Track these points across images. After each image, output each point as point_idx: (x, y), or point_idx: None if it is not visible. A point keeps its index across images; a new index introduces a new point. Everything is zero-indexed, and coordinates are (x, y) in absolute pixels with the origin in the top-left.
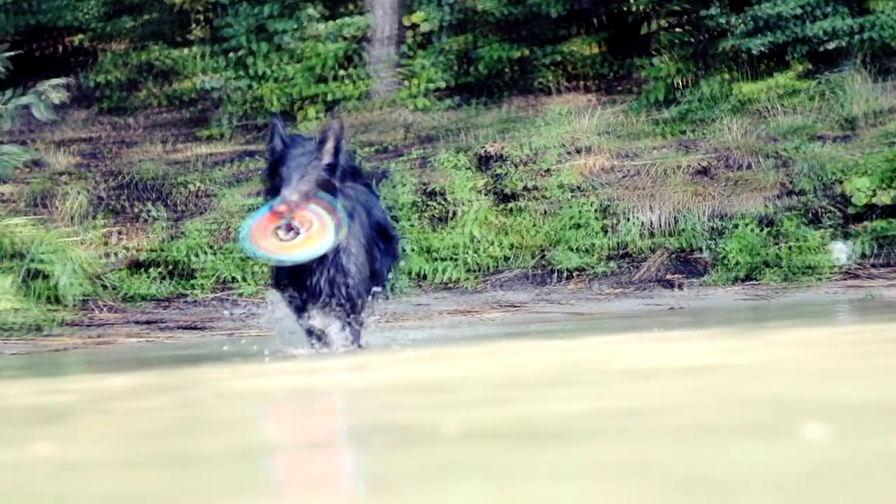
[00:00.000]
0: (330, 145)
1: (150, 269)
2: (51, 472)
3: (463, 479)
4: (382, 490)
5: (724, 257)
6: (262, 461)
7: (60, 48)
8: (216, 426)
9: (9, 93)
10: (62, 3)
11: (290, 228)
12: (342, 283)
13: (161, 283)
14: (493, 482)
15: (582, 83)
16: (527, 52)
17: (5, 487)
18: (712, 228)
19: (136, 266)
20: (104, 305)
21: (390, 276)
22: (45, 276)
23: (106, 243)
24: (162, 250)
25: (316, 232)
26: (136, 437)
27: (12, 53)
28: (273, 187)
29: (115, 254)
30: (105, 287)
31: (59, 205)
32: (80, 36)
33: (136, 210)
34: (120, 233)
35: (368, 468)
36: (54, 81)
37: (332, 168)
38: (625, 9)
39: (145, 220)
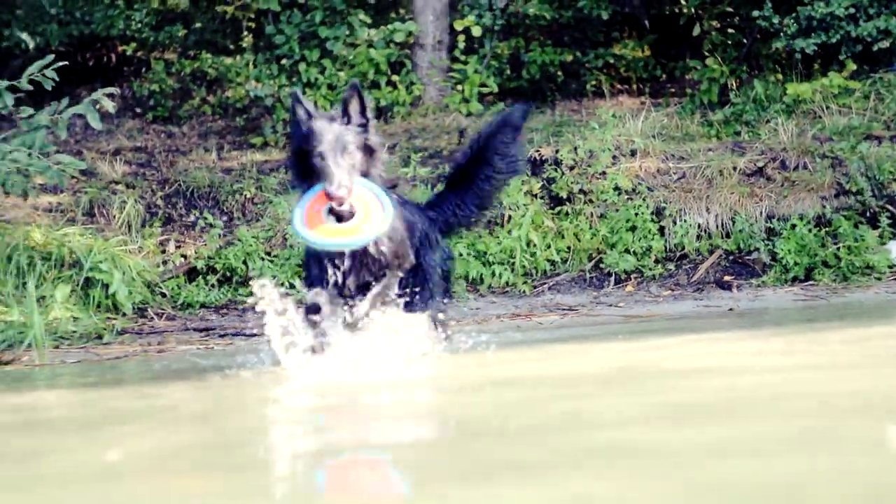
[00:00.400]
0: (355, 105)
1: (207, 277)
2: (121, 478)
3: (519, 477)
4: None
5: (780, 258)
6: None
7: (112, 58)
8: (278, 432)
9: (63, 102)
10: (113, 12)
11: (341, 213)
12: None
13: (217, 290)
14: (550, 479)
15: (632, 86)
16: (576, 55)
17: (79, 494)
18: (767, 229)
19: (192, 273)
20: (160, 313)
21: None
22: (103, 285)
23: (162, 251)
24: (217, 257)
25: (369, 212)
26: (202, 444)
27: (60, 64)
28: (308, 165)
29: (171, 261)
30: (161, 295)
31: (114, 214)
32: (131, 45)
33: (190, 218)
34: (175, 241)
35: (445, 462)
36: (106, 90)
37: (364, 127)
38: (675, 10)
39: (200, 228)
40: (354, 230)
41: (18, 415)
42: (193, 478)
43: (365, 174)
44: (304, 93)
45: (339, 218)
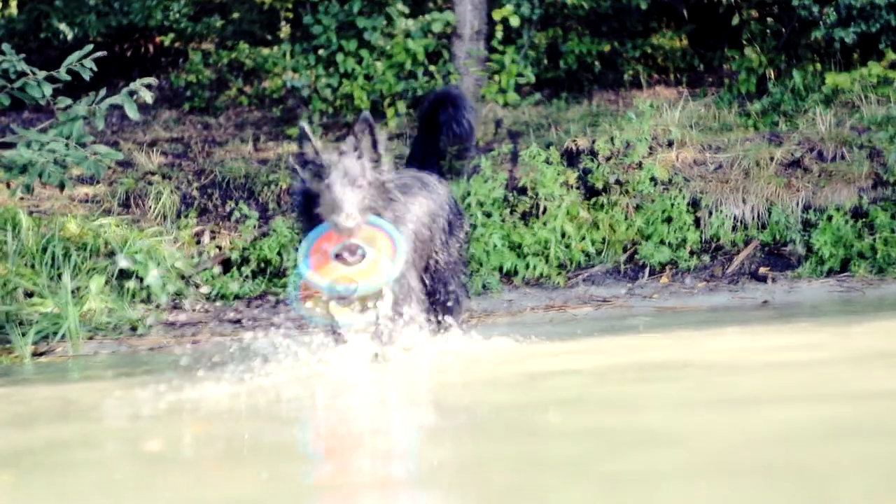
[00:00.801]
0: (367, 139)
1: (241, 268)
2: (164, 468)
3: (559, 473)
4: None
5: (816, 250)
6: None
7: (150, 48)
8: (315, 419)
9: (101, 93)
10: (151, 3)
11: (354, 249)
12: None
13: (251, 281)
14: (594, 478)
15: (669, 76)
16: (614, 45)
17: (127, 483)
18: (804, 220)
19: (226, 264)
20: (194, 304)
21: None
22: (137, 276)
23: (197, 242)
24: (252, 248)
25: (380, 254)
26: (232, 437)
27: (99, 54)
28: (315, 204)
29: (206, 252)
30: (196, 286)
31: (149, 204)
32: (169, 36)
33: (226, 209)
34: (210, 231)
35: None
36: (144, 81)
37: (377, 163)
38: (713, 0)
39: (235, 219)
40: (364, 274)
41: (53, 404)
42: (232, 468)
43: (377, 213)
44: (339, 84)
45: (347, 259)
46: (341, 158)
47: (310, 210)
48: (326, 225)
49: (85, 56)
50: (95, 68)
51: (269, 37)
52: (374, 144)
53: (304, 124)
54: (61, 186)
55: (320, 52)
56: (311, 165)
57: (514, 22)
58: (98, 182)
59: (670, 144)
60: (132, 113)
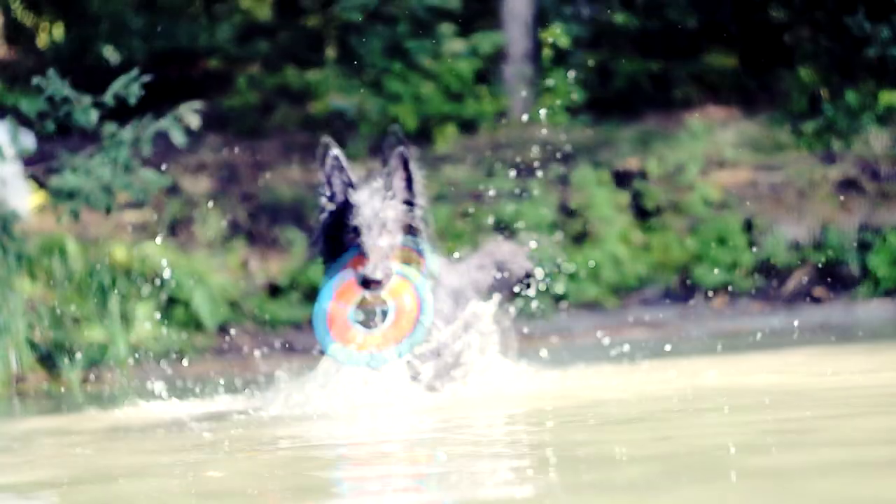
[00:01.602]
0: (400, 176)
1: (289, 294)
2: (226, 499)
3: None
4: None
5: (872, 270)
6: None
7: (195, 72)
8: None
9: (147, 118)
10: (196, 27)
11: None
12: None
13: (299, 307)
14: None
15: (721, 96)
16: (664, 66)
17: None
18: (859, 241)
19: (274, 290)
20: (243, 331)
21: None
22: (185, 303)
23: (244, 268)
24: (300, 274)
25: (402, 315)
26: (290, 467)
27: (144, 79)
28: (339, 243)
29: (254, 278)
30: (243, 312)
31: (196, 230)
32: (214, 60)
33: (272, 234)
34: (258, 257)
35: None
36: (191, 105)
37: (410, 205)
38: (765, 18)
39: (282, 245)
40: (384, 340)
41: (102, 433)
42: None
43: (406, 261)
44: (386, 106)
45: (367, 321)
46: (371, 199)
47: (332, 245)
48: (347, 273)
49: (131, 81)
50: (141, 92)
51: (315, 60)
52: (409, 183)
53: (333, 146)
54: (107, 211)
55: (367, 74)
56: (339, 199)
57: (564, 43)
58: (145, 207)
59: (722, 165)
60: (178, 138)
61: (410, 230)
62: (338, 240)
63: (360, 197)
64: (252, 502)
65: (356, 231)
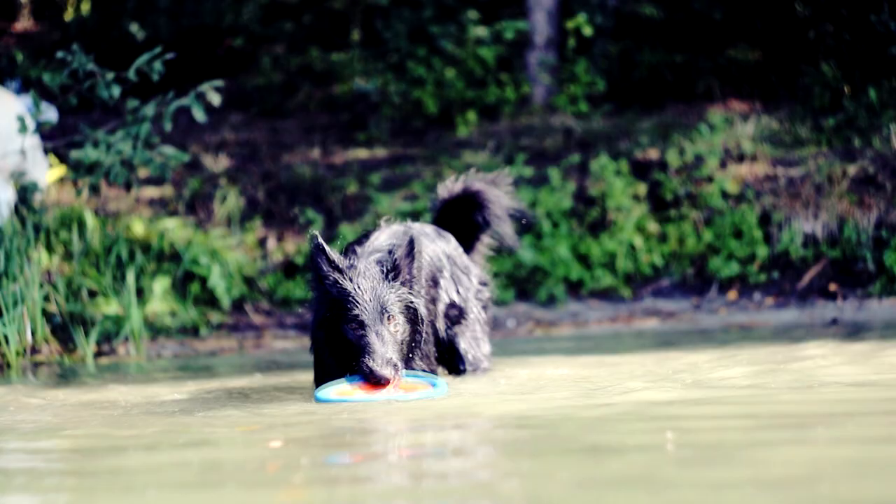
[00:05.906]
0: (404, 268)
1: (304, 273)
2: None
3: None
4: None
5: (887, 268)
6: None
7: (219, 51)
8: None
9: (170, 95)
10: (222, 5)
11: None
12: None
13: None
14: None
15: (743, 90)
16: (687, 57)
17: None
18: (875, 238)
19: (290, 269)
20: (257, 308)
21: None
22: (201, 279)
23: (261, 246)
24: None
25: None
26: (301, 445)
27: (168, 56)
28: (341, 338)
29: (270, 257)
30: (259, 290)
31: (215, 207)
32: (239, 39)
33: (291, 213)
34: (275, 236)
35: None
36: (213, 83)
37: (409, 284)
38: (790, 14)
39: (301, 224)
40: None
41: (116, 406)
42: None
43: (409, 353)
44: (407, 91)
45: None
46: (370, 284)
47: (335, 342)
48: (357, 377)
49: (154, 58)
50: (164, 70)
51: (339, 41)
52: (410, 268)
53: (318, 237)
54: (128, 186)
55: (390, 57)
56: (334, 291)
57: (587, 31)
58: (165, 183)
59: (742, 158)
60: (200, 115)
61: (412, 315)
62: (339, 336)
63: (353, 285)
64: (257, 478)
65: (359, 324)
